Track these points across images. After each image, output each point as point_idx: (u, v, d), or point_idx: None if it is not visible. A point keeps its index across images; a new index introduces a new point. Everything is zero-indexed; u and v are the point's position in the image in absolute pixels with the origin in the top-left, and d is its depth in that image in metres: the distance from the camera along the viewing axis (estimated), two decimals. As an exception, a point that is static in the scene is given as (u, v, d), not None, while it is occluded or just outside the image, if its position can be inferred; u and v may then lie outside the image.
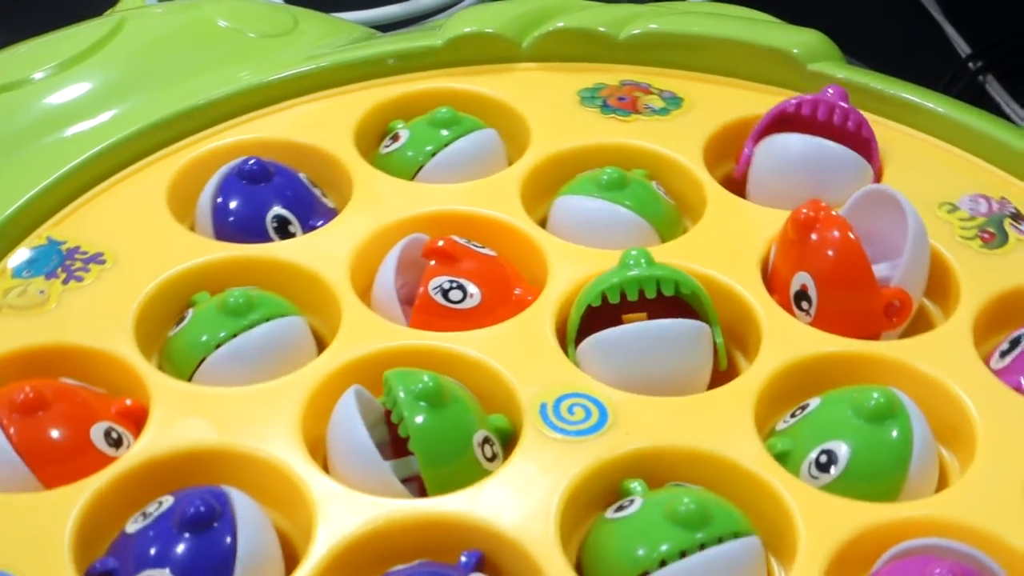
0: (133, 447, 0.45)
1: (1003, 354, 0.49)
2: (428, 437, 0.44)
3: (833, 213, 0.49)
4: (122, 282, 0.50)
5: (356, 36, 0.62)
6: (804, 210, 0.49)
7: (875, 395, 0.45)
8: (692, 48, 0.60)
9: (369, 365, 0.47)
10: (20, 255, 0.51)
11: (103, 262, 0.51)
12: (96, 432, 0.45)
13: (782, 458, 0.45)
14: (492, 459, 0.46)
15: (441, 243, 0.50)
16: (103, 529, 0.43)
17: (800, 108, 0.54)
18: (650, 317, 0.48)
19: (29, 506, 0.43)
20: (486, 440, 0.46)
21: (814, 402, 0.46)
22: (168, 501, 0.43)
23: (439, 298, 0.50)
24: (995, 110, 0.71)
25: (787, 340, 0.48)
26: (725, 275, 0.50)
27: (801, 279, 0.49)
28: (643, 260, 0.49)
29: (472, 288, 0.50)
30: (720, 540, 0.42)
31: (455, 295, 0.50)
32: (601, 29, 0.60)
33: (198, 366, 0.48)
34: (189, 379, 0.48)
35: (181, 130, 0.56)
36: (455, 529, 0.43)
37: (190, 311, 0.50)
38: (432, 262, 0.50)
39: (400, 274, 0.51)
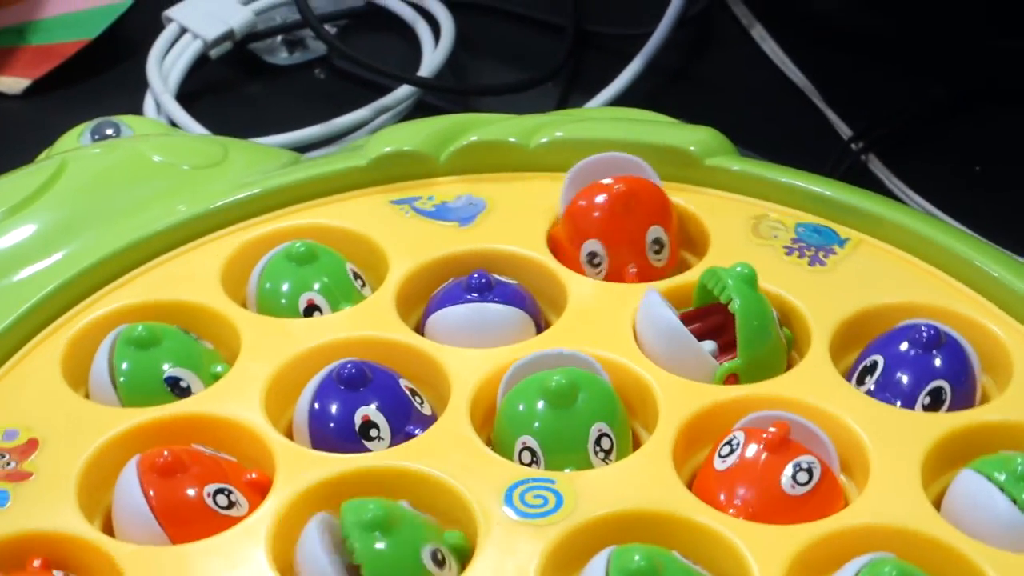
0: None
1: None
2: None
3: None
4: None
5: (284, 161, 0.66)
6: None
7: None
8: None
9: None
10: None
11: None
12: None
13: None
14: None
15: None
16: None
17: None
18: None
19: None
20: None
21: None
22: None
23: (787, 482, 0.45)
24: (878, 185, 0.76)
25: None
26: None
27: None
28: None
29: (815, 474, 0.44)
30: None
31: (801, 477, 0.45)
32: (512, 140, 0.65)
33: None
34: None
35: (127, 263, 0.60)
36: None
37: None
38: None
39: None
